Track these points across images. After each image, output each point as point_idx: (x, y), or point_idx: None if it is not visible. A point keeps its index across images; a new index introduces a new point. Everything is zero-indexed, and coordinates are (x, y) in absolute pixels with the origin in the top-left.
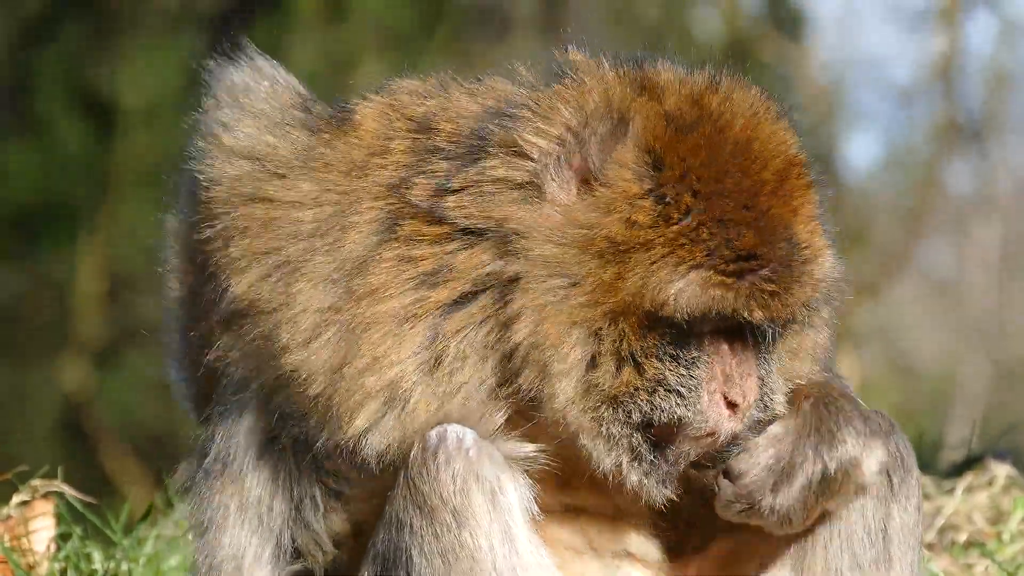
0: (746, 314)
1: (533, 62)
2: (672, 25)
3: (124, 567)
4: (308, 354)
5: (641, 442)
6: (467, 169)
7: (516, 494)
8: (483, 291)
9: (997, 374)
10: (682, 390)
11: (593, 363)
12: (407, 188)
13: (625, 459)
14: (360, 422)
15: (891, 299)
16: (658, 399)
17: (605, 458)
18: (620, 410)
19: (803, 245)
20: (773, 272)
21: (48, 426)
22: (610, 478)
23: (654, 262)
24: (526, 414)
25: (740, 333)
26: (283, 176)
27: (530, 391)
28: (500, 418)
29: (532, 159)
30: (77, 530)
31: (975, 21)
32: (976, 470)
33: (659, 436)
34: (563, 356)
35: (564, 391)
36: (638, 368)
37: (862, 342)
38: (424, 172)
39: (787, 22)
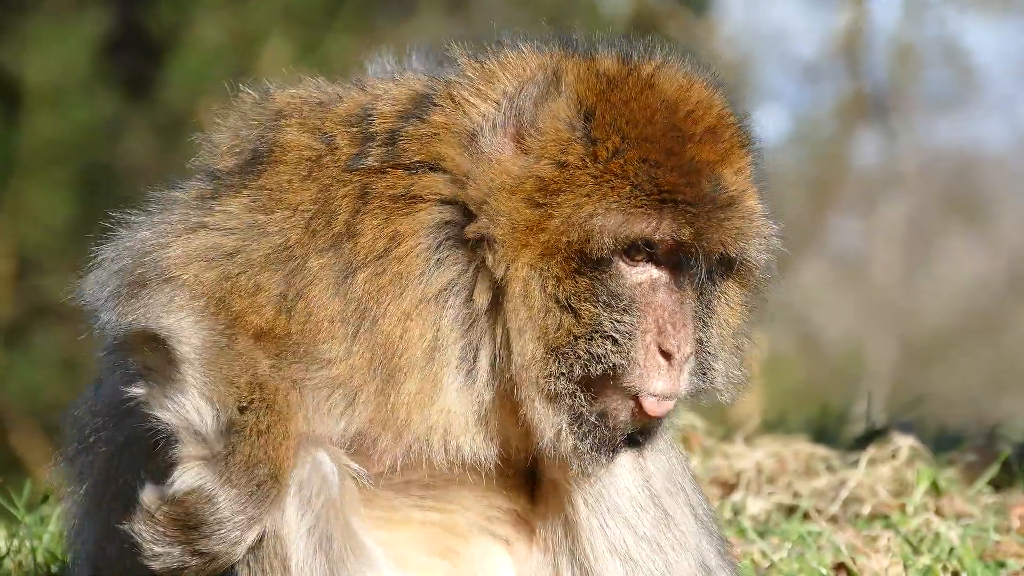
0: (670, 234)
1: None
2: (578, 2)
3: (28, 544)
4: (350, 365)
5: (583, 402)
6: (415, 120)
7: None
8: (448, 236)
9: (903, 349)
10: (617, 336)
11: (546, 312)
12: (363, 159)
13: (565, 422)
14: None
15: (798, 274)
16: (595, 346)
17: (548, 425)
18: (562, 362)
19: (729, 187)
20: (696, 204)
21: None
22: (550, 449)
23: (580, 199)
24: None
25: (675, 286)
26: (247, 239)
27: (498, 360)
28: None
29: (471, 119)
30: None
31: None
32: (880, 443)
33: (598, 395)
34: (528, 306)
35: (528, 348)
36: (575, 314)
37: (769, 317)
38: (375, 142)
39: None
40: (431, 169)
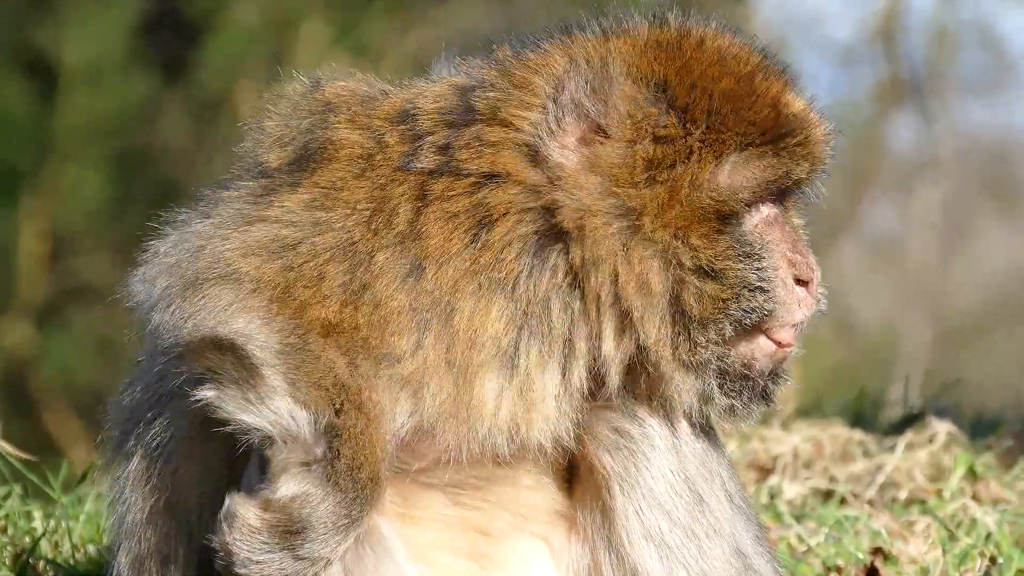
0: (797, 169)
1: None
2: None
3: (64, 525)
4: (421, 360)
5: (730, 359)
6: (464, 130)
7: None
8: (539, 241)
9: (939, 333)
10: (763, 284)
11: (676, 290)
12: (416, 160)
13: (715, 384)
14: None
15: (834, 258)
16: (745, 302)
17: (692, 392)
18: (712, 330)
19: (803, 107)
20: (797, 128)
21: None
22: (692, 413)
23: (697, 164)
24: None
25: (783, 218)
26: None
27: (611, 355)
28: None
29: (523, 131)
30: (17, 488)
31: None
32: (917, 427)
33: (741, 347)
34: (646, 294)
35: (652, 331)
36: (718, 278)
37: None
38: (426, 145)
39: None
40: (493, 178)
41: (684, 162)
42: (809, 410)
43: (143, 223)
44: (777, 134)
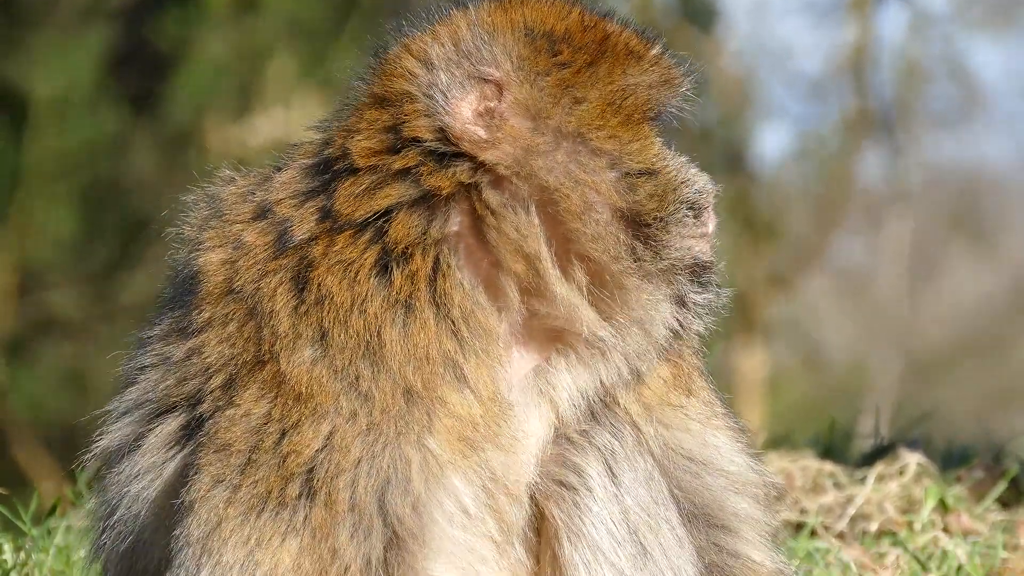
0: (680, 75)
1: None
2: None
3: (34, 558)
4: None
5: (697, 252)
6: (340, 184)
7: None
8: (456, 257)
9: (908, 365)
10: (695, 171)
11: (630, 196)
12: (288, 234)
13: (686, 283)
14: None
15: (803, 291)
16: (692, 185)
17: (665, 299)
18: (672, 223)
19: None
20: (662, 43)
21: None
22: (668, 326)
23: (610, 72)
24: None
25: None
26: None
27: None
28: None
29: (424, 140)
30: None
31: (886, 12)
32: (887, 459)
33: (692, 238)
34: (600, 207)
35: (612, 244)
36: (661, 174)
37: (774, 334)
38: (295, 220)
39: (698, 14)
40: (384, 216)
41: (594, 74)
42: (779, 442)
43: (112, 256)
44: (655, 50)
